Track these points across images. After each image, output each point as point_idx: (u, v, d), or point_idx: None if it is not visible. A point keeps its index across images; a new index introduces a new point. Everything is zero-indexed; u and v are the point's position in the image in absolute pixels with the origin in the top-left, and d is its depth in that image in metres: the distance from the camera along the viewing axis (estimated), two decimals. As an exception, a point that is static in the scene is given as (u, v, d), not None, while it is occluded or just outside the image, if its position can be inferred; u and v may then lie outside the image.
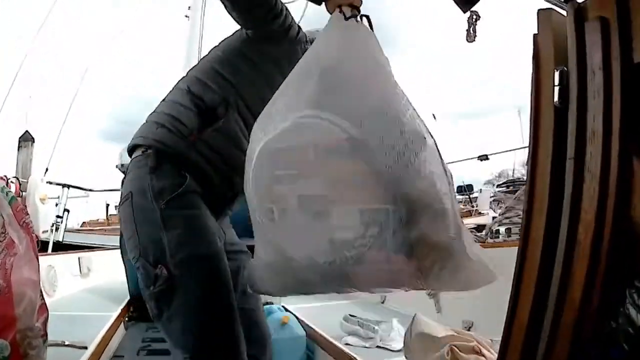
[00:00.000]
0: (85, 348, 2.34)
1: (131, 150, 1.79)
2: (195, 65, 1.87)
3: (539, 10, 1.18)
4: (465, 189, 15.52)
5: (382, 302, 3.68)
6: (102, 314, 3.04)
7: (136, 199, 1.64)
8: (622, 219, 1.00)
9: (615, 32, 1.02)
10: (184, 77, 1.84)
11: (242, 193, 1.44)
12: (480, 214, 14.41)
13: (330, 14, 1.38)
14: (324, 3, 1.46)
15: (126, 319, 3.27)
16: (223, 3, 1.63)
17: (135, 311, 3.38)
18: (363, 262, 1.08)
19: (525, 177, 3.08)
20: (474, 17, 2.52)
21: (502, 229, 2.88)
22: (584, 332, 1.02)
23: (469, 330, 2.66)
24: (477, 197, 16.73)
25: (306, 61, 1.29)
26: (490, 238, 2.93)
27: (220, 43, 1.84)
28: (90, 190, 7.56)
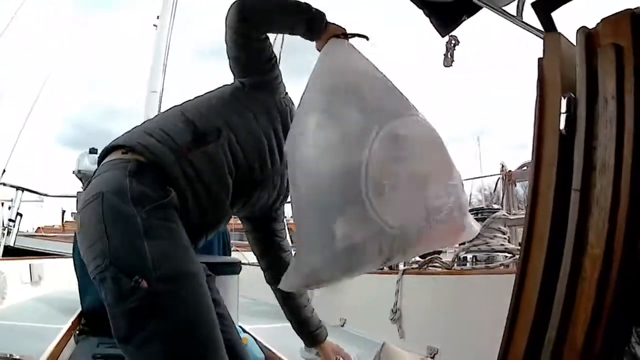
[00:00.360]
0: (34, 363, 2.20)
1: (107, 152, 1.64)
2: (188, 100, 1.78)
3: (545, 34, 1.14)
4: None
5: (342, 326, 3.60)
6: (52, 326, 2.87)
7: (110, 199, 1.43)
8: (631, 255, 0.95)
9: (630, 60, 0.98)
10: (175, 105, 1.75)
11: (211, 229, 1.58)
12: None
13: (319, 50, 1.64)
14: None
15: (77, 332, 3.11)
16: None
17: (86, 324, 3.21)
18: (445, 222, 1.38)
19: (492, 205, 3.07)
20: (453, 42, 2.51)
21: (469, 256, 2.85)
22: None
23: (433, 357, 2.61)
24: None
25: (356, 77, 1.55)
26: (457, 265, 2.89)
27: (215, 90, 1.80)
28: (46, 195, 7.27)
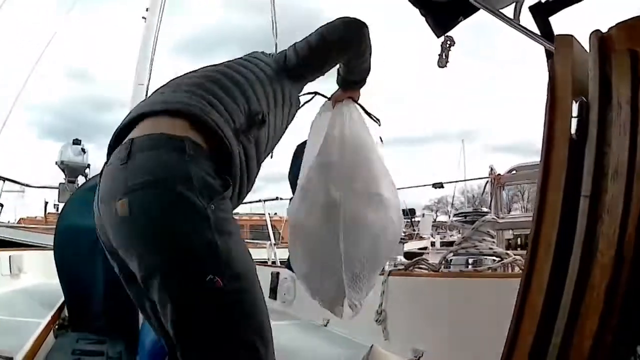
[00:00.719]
0: (11, 359, 2.14)
1: (143, 116, 1.44)
2: (228, 64, 1.68)
3: (557, 35, 1.12)
4: (408, 213, 15.72)
5: (325, 325, 3.57)
6: (31, 320, 2.82)
7: (176, 188, 1.28)
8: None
9: (645, 66, 0.96)
10: (219, 68, 1.65)
11: None
12: (421, 238, 14.63)
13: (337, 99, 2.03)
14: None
15: (56, 326, 3.04)
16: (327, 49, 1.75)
17: (68, 318, 3.14)
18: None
19: (480, 208, 3.06)
20: (448, 42, 2.50)
21: (456, 259, 2.83)
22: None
23: (419, 359, 2.60)
24: (419, 222, 17.00)
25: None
26: (445, 268, 2.88)
27: (257, 58, 1.75)
28: (27, 185, 7.14)
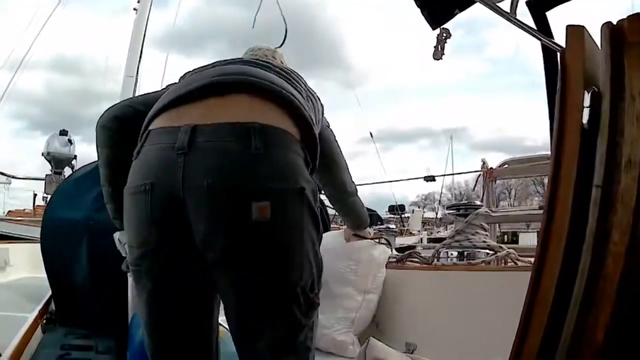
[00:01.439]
0: (-1, 355, 2.10)
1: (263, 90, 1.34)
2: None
3: (568, 25, 1.11)
4: (397, 209, 15.78)
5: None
6: (18, 315, 2.76)
7: (310, 201, 1.28)
8: (654, 254, 0.94)
9: (658, 56, 0.96)
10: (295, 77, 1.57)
11: None
12: (411, 234, 14.68)
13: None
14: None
15: (44, 321, 2.99)
16: None
17: (56, 312, 3.09)
18: None
19: (474, 202, 3.06)
20: (444, 34, 2.49)
21: (450, 252, 2.83)
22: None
23: (412, 352, 2.59)
24: (408, 217, 17.05)
25: None
26: (437, 261, 2.87)
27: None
28: (13, 177, 7.06)
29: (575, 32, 1.09)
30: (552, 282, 1.05)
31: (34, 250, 3.63)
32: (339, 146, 2.11)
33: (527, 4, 2.14)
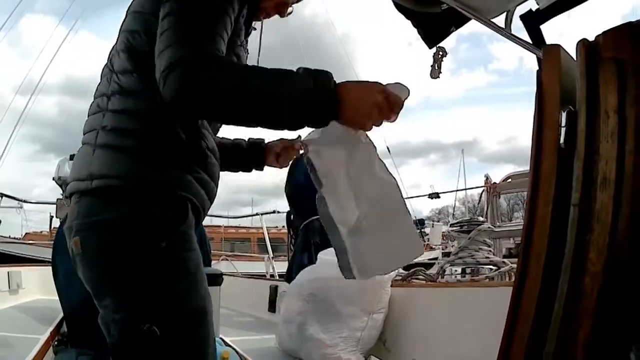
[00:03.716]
0: (10, 376, 2.13)
1: None
2: None
3: (544, 46, 1.12)
4: (417, 224, 15.67)
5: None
6: (30, 337, 2.80)
7: None
8: (632, 273, 0.94)
9: (631, 74, 0.97)
10: None
11: None
12: (432, 248, 14.58)
13: None
14: None
15: (55, 342, 3.03)
16: None
17: (67, 332, 3.13)
18: None
19: (477, 217, 3.06)
20: (440, 53, 2.51)
21: (454, 269, 2.82)
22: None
23: (417, 370, 2.58)
24: (428, 232, 16.94)
25: None
26: (442, 278, 2.87)
27: None
28: (25, 201, 7.18)
29: (551, 52, 1.10)
30: (533, 301, 1.05)
31: (46, 272, 3.67)
32: None
33: (521, 18, 2.16)
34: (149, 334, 1.22)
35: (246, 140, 1.74)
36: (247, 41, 1.53)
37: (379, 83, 1.25)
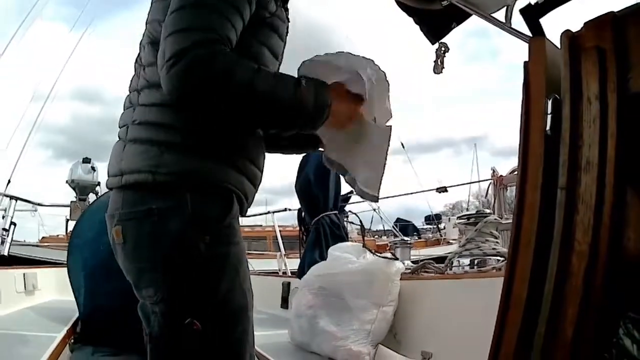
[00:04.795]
0: (28, 373, 2.20)
1: None
2: None
3: (530, 38, 1.17)
4: (434, 219, 15.72)
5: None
6: (46, 335, 2.86)
7: None
8: (616, 250, 0.98)
9: (612, 62, 1.01)
10: None
11: None
12: (449, 243, 14.60)
13: None
14: None
15: (71, 340, 3.10)
16: None
17: (82, 332, 3.20)
18: None
19: (484, 210, 3.09)
20: (443, 49, 2.55)
21: (462, 261, 2.86)
22: (577, 368, 0.99)
23: (428, 361, 2.62)
24: (445, 227, 16.93)
25: None
26: (449, 269, 2.91)
27: None
28: (39, 204, 7.28)
29: (537, 43, 1.15)
30: (524, 283, 1.09)
31: (62, 273, 3.75)
32: None
33: (521, 12, 2.19)
34: (190, 328, 1.23)
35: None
36: (287, 8, 1.48)
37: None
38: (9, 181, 7.06)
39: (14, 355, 2.31)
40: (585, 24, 1.08)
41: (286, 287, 4.36)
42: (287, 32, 1.48)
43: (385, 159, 1.59)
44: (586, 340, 1.00)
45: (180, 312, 1.24)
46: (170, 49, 1.14)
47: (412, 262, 3.74)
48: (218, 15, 1.19)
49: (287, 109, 1.25)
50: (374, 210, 11.77)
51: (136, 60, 1.43)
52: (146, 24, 1.39)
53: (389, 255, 3.08)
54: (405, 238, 4.33)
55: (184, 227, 1.23)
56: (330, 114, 1.33)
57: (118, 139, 1.37)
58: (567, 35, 1.09)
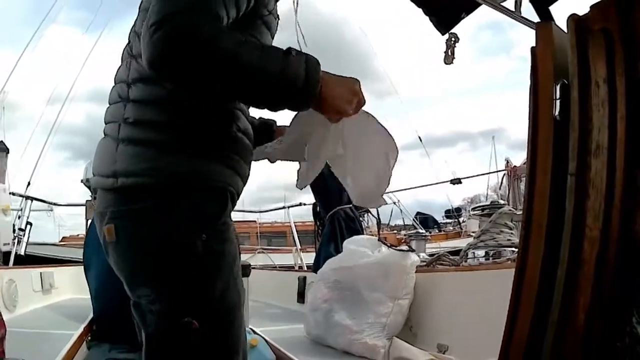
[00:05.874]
0: (46, 369, 2.22)
1: None
2: None
3: (537, 23, 1.16)
4: (454, 212, 15.71)
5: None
6: (64, 332, 2.88)
7: None
8: (627, 235, 0.97)
9: (619, 44, 1.00)
10: None
11: None
12: (469, 235, 14.59)
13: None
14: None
15: (88, 338, 3.12)
16: None
17: (98, 330, 3.23)
18: None
19: (499, 201, 3.07)
20: (453, 39, 2.53)
21: (477, 252, 2.85)
22: (591, 352, 0.98)
23: (444, 353, 2.61)
24: (465, 220, 16.89)
25: None
26: (465, 261, 2.90)
27: None
28: (55, 204, 7.35)
29: (544, 29, 1.13)
30: (536, 270, 1.08)
31: (79, 272, 3.78)
32: None
33: (531, 0, 2.17)
34: (187, 327, 1.21)
35: (257, 119, 1.61)
36: (276, 7, 1.45)
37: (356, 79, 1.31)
38: (29, 183, 7.13)
39: (32, 353, 2.32)
40: (592, 6, 1.06)
41: (302, 282, 4.36)
42: (276, 29, 1.45)
43: (391, 172, 1.50)
44: (598, 328, 0.99)
45: (178, 311, 1.22)
46: (155, 16, 1.09)
47: (432, 254, 3.73)
48: None
49: (276, 79, 1.17)
50: (394, 203, 11.74)
51: (125, 49, 1.38)
52: (139, 11, 1.34)
53: (405, 247, 3.06)
54: (422, 230, 4.31)
55: (180, 225, 1.21)
56: (324, 96, 1.23)
57: (105, 136, 1.33)
58: (573, 18, 1.08)
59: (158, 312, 1.24)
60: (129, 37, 1.38)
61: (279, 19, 1.46)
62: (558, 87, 1.08)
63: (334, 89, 1.24)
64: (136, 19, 1.36)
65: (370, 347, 2.64)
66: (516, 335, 1.12)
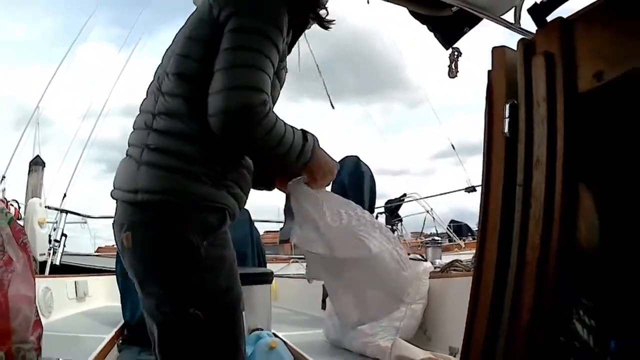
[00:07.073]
0: (79, 368, 2.37)
1: None
2: None
3: (493, 48, 1.25)
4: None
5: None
6: (96, 336, 3.06)
7: None
8: (567, 241, 1.06)
9: (559, 65, 1.09)
10: None
11: None
12: None
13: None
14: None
15: (120, 341, 3.30)
16: None
17: (129, 334, 3.40)
18: None
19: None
20: (456, 53, 2.61)
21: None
22: (536, 348, 1.08)
23: (455, 355, 2.69)
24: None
25: None
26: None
27: None
28: (88, 216, 7.66)
29: (498, 53, 1.24)
30: (491, 274, 1.18)
31: (112, 281, 3.98)
32: None
33: (529, 11, 2.24)
34: (194, 317, 1.35)
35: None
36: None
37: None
38: (65, 195, 7.42)
39: (66, 354, 2.48)
40: (537, 31, 1.16)
41: (326, 290, 4.46)
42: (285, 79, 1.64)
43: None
44: (542, 325, 1.08)
45: (186, 303, 1.37)
46: (230, 81, 1.31)
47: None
48: (263, 72, 1.35)
49: (294, 159, 1.44)
50: (427, 212, 11.70)
51: (153, 83, 1.55)
52: (171, 52, 1.51)
53: (419, 257, 3.16)
54: (437, 238, 4.35)
55: (187, 232, 1.38)
56: (315, 161, 1.49)
57: (127, 156, 1.50)
58: (522, 42, 1.18)
59: (167, 302, 1.39)
60: (157, 74, 1.54)
61: (287, 72, 1.64)
62: (507, 107, 1.18)
63: (323, 159, 1.53)
64: (164, 57, 1.55)
65: (383, 350, 2.74)
66: (474, 337, 1.22)
